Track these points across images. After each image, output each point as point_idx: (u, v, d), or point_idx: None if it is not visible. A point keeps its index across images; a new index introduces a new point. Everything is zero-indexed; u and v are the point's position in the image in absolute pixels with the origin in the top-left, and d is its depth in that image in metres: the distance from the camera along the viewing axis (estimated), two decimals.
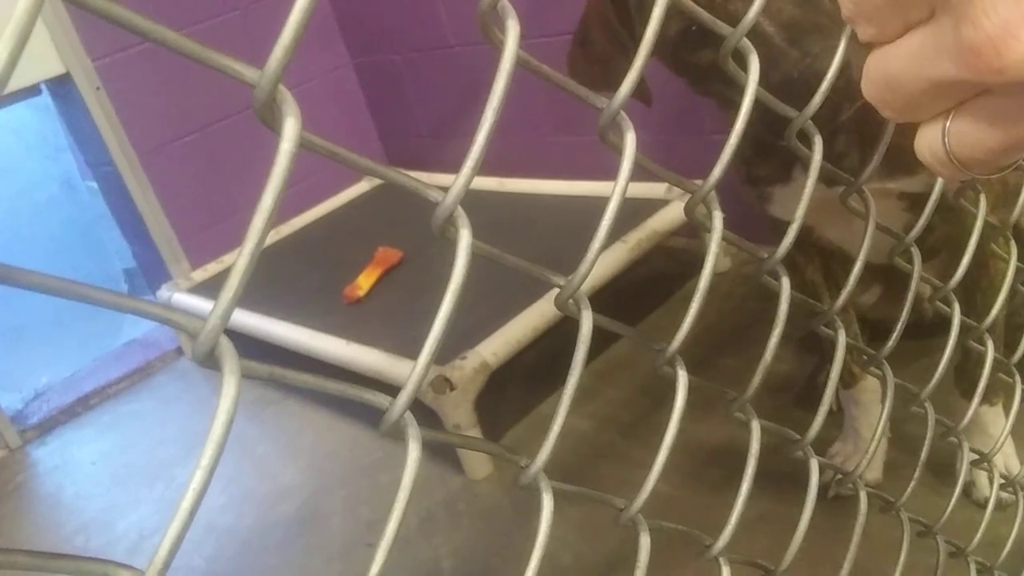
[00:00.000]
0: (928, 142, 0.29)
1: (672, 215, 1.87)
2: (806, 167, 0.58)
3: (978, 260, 0.91)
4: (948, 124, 0.28)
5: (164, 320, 0.30)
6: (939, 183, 0.65)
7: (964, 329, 0.75)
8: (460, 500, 1.56)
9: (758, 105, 0.47)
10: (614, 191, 0.41)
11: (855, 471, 0.60)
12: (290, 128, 0.28)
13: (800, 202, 0.56)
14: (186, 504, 0.27)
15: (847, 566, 0.58)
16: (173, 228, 2.42)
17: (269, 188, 0.28)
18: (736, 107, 0.45)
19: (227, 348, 0.29)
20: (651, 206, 1.87)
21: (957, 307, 0.71)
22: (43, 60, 2.16)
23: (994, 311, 0.78)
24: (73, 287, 0.26)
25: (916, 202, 0.78)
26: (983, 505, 0.89)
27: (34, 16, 0.23)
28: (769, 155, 1.04)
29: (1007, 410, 0.89)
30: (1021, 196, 0.80)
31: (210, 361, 0.28)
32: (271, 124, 0.29)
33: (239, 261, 0.28)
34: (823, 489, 0.58)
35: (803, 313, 0.60)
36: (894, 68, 0.28)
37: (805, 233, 1.09)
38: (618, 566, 1.31)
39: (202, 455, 0.27)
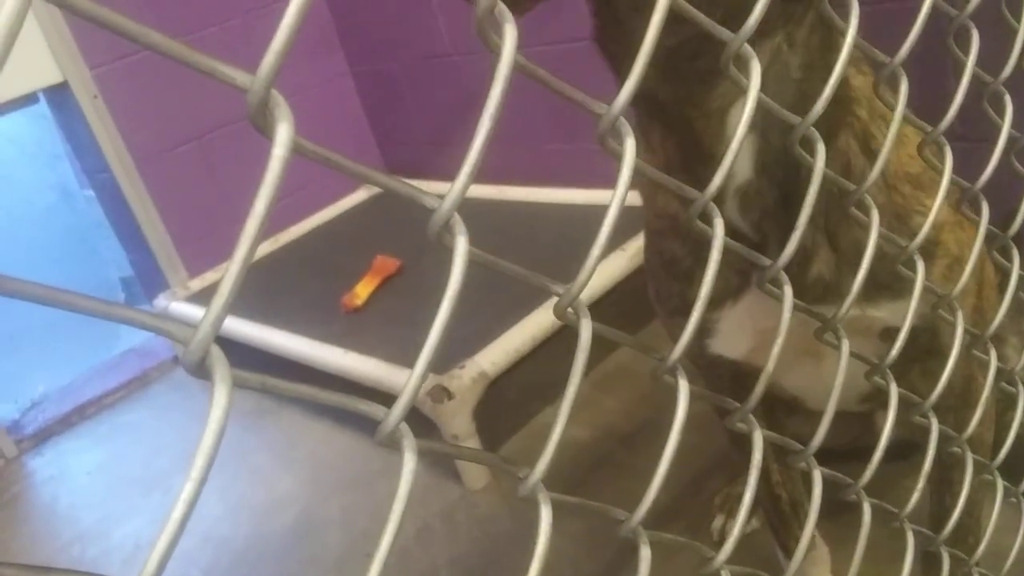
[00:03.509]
0: None
1: None
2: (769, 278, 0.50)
3: (964, 375, 0.80)
4: None
5: (155, 329, 0.29)
6: (912, 310, 0.60)
7: (944, 439, 0.69)
8: (458, 510, 1.55)
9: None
10: (614, 198, 0.41)
11: (859, 482, 0.60)
12: (283, 133, 0.28)
13: (775, 345, 0.50)
14: (176, 515, 0.26)
15: None
16: (170, 237, 2.42)
17: (261, 194, 0.28)
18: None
19: (218, 357, 0.28)
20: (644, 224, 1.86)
21: (936, 423, 0.67)
22: (41, 69, 2.16)
23: (973, 422, 0.74)
24: (63, 296, 0.26)
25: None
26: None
27: (22, 16, 0.23)
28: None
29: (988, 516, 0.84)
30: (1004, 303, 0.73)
31: (201, 371, 0.28)
32: (264, 130, 0.28)
33: (231, 268, 0.27)
34: (828, 496, 0.57)
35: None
36: None
37: (751, 378, 0.91)
38: None
39: (192, 466, 0.27)
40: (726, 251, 0.47)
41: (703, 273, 0.44)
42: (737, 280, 0.75)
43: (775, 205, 0.69)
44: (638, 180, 0.80)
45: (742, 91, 0.45)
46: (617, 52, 0.67)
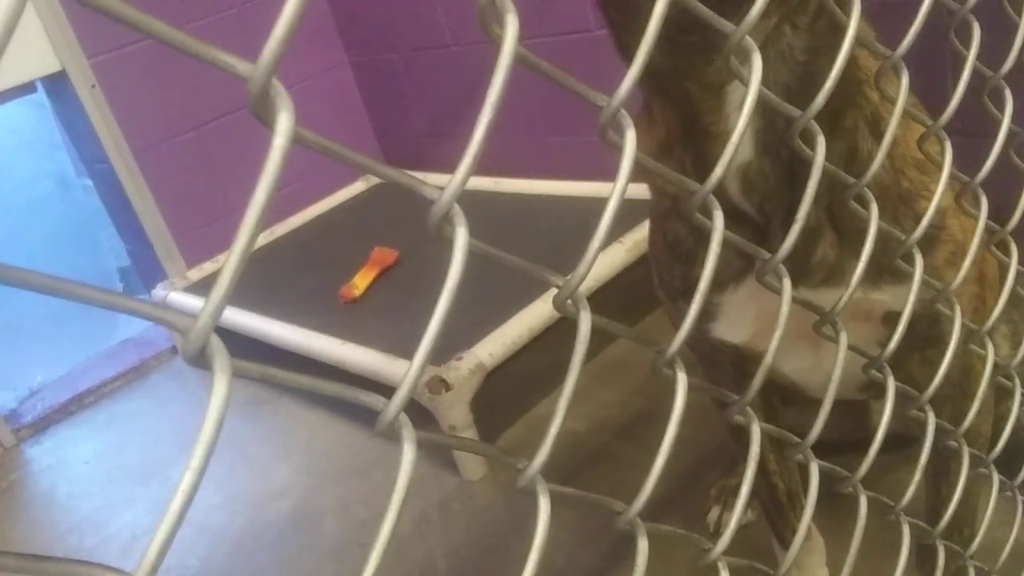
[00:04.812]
0: None
1: None
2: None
3: (962, 365, 0.80)
4: None
5: (155, 318, 0.29)
6: (911, 301, 0.59)
7: (941, 432, 0.69)
8: (455, 501, 1.56)
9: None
10: (614, 190, 0.41)
11: (855, 475, 0.60)
12: (283, 123, 0.28)
13: (780, 311, 0.50)
14: (175, 506, 0.26)
15: (847, 570, 0.57)
16: (168, 226, 2.41)
17: (261, 184, 0.28)
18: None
19: (218, 347, 0.28)
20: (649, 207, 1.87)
21: (932, 417, 0.67)
22: (38, 57, 2.15)
23: (971, 415, 0.73)
24: (64, 285, 0.26)
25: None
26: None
27: (19, 9, 0.22)
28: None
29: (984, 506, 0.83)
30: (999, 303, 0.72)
31: (200, 360, 0.28)
32: (265, 119, 0.28)
33: (230, 258, 0.27)
34: (824, 488, 0.57)
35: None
36: None
37: (751, 363, 0.82)
38: (614, 568, 1.31)
39: (192, 456, 0.27)
40: (735, 225, 0.46)
41: (705, 254, 0.44)
42: (740, 263, 0.74)
43: (778, 185, 0.69)
44: (641, 164, 0.80)
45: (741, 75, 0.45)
46: (616, 18, 0.67)
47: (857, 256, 0.64)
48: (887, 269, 0.68)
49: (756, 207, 0.70)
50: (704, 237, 0.76)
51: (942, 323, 0.72)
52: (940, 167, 0.61)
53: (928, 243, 0.66)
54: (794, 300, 0.53)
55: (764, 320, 0.77)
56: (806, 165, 0.52)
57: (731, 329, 0.80)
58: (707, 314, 0.78)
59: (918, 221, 0.61)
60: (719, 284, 0.75)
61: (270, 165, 0.28)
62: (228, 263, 0.27)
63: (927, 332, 0.72)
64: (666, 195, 0.81)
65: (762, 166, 0.68)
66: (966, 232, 0.73)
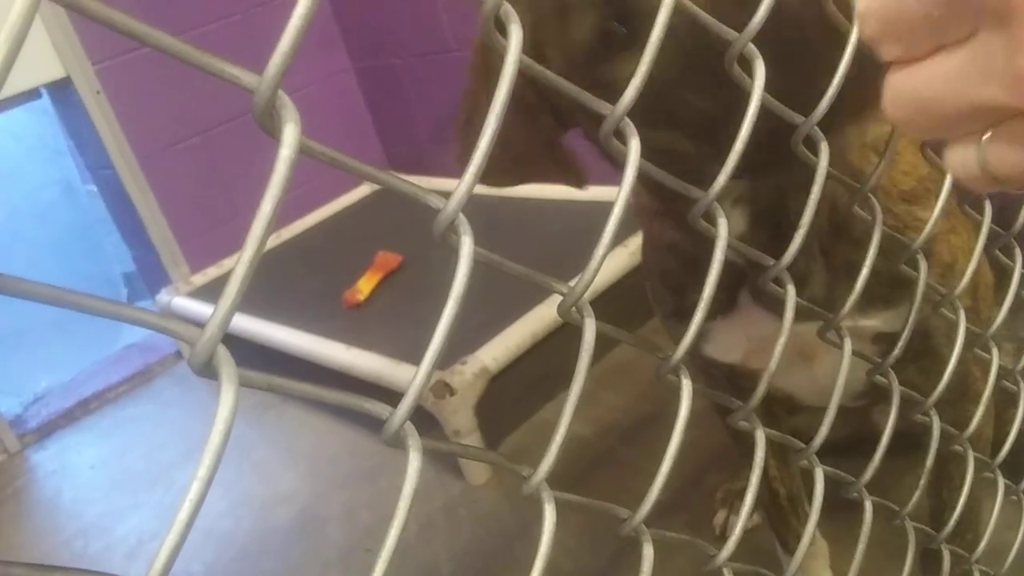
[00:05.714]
0: (961, 160, 0.28)
1: None
2: (754, 290, 0.52)
3: (959, 370, 0.79)
4: (986, 143, 0.27)
5: (162, 329, 0.29)
6: (913, 316, 0.61)
7: (946, 437, 0.71)
8: (460, 506, 1.56)
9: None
10: (618, 197, 0.41)
11: (860, 479, 0.60)
12: (289, 134, 0.28)
13: (775, 346, 0.52)
14: (183, 515, 0.27)
15: (852, 575, 0.57)
16: (173, 232, 2.42)
17: (268, 194, 0.28)
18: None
19: (225, 358, 0.28)
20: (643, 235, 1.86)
21: (937, 421, 0.68)
22: (43, 64, 2.16)
23: (975, 420, 0.75)
24: (71, 296, 0.26)
25: (893, 345, 0.62)
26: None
27: (29, 19, 0.23)
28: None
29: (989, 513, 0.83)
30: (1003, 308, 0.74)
31: (207, 370, 0.28)
32: (270, 130, 0.28)
33: (238, 268, 0.27)
34: (828, 493, 0.57)
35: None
36: (929, 90, 0.27)
37: (744, 379, 0.86)
38: (619, 572, 1.31)
39: (199, 465, 0.27)
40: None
41: (693, 287, 0.45)
42: (724, 296, 0.78)
43: (769, 241, 0.70)
44: (635, 206, 0.84)
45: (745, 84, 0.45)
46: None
47: (844, 289, 0.67)
48: (878, 297, 0.71)
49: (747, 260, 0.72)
50: (692, 271, 0.78)
51: (934, 337, 0.74)
52: (932, 183, 0.62)
53: (916, 268, 0.67)
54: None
55: (753, 344, 0.80)
56: (791, 229, 0.53)
57: (722, 351, 0.84)
58: (699, 334, 0.82)
59: (908, 252, 0.63)
60: (708, 313, 0.79)
61: (276, 176, 0.28)
62: (236, 273, 0.28)
63: (921, 346, 0.73)
64: (661, 243, 0.84)
65: (755, 232, 0.71)
66: (955, 252, 0.75)
